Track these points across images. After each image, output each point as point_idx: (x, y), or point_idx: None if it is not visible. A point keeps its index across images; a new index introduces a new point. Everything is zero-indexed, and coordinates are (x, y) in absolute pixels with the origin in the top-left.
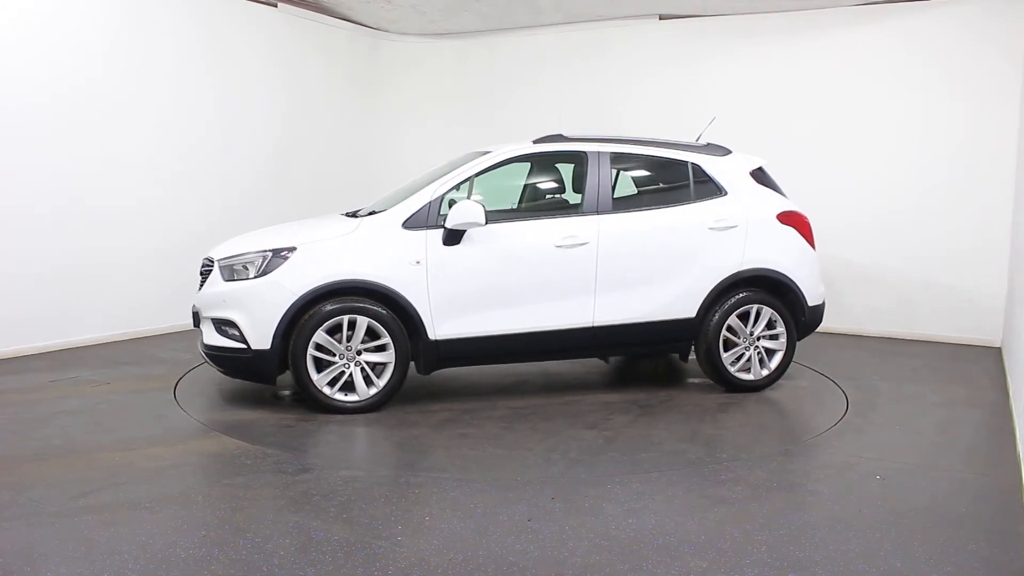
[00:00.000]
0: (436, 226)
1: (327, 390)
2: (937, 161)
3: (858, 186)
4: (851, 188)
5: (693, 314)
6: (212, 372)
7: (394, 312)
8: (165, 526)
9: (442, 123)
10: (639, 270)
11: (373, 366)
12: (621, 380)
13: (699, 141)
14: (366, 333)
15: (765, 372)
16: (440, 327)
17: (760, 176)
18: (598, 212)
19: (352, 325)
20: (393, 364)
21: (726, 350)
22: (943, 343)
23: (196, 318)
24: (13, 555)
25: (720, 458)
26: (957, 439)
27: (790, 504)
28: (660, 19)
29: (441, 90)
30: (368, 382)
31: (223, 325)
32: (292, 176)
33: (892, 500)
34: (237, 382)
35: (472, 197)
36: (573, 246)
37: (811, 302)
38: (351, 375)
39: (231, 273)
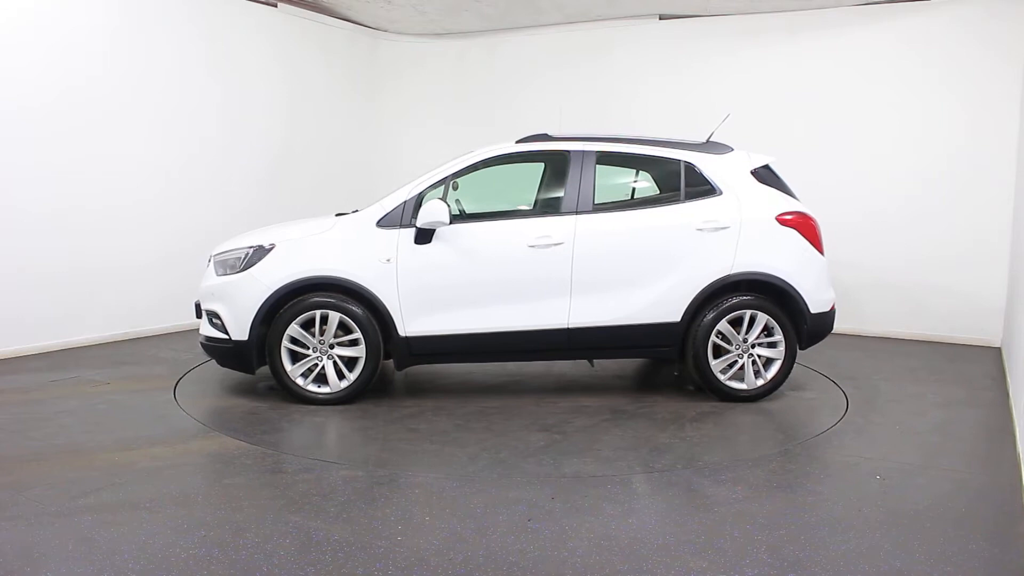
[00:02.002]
0: (409, 225)
1: (300, 381)
2: (937, 161)
3: (858, 186)
4: (851, 188)
5: (678, 318)
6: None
7: (365, 308)
8: (165, 526)
9: (442, 123)
10: (616, 271)
11: (346, 360)
12: (620, 385)
13: (711, 139)
14: (340, 328)
15: (760, 382)
16: (410, 324)
17: (763, 175)
18: (577, 212)
19: (324, 320)
20: (364, 358)
21: (717, 357)
22: (943, 343)
23: (198, 310)
24: (13, 555)
25: (653, 467)
26: (957, 439)
27: (790, 504)
28: (660, 19)
29: (441, 90)
30: (341, 375)
31: (212, 317)
32: (292, 176)
33: (892, 500)
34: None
35: (448, 196)
36: (547, 246)
37: (815, 309)
38: (324, 368)
39: (223, 268)
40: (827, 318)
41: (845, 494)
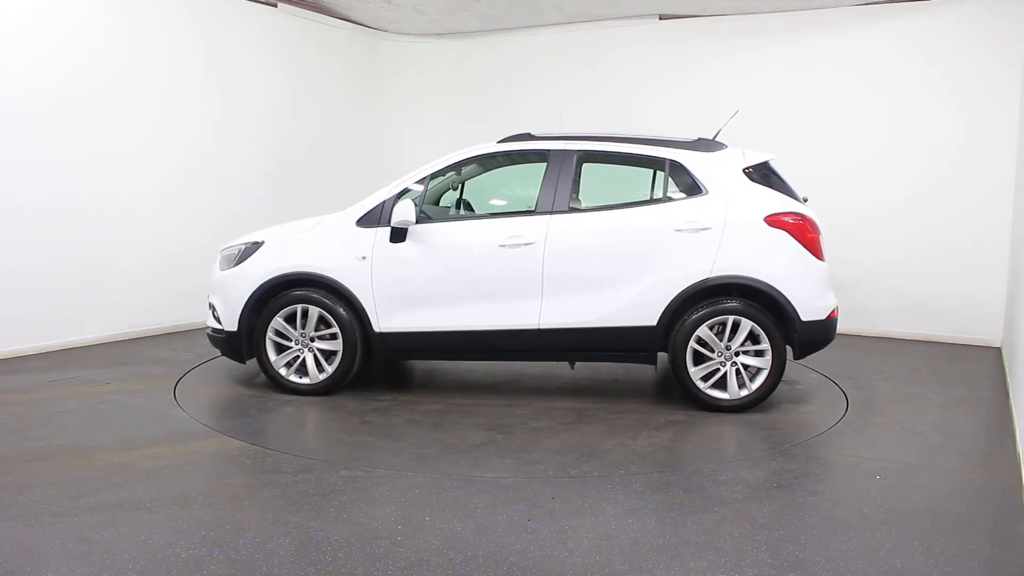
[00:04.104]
0: (385, 224)
1: (283, 371)
2: (937, 160)
3: (858, 186)
4: (851, 188)
5: (653, 322)
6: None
7: (344, 303)
8: (165, 526)
9: (442, 123)
10: (589, 273)
11: (327, 353)
12: (615, 388)
13: (716, 136)
14: (322, 322)
15: (744, 392)
16: (384, 320)
17: (759, 174)
18: (552, 212)
19: (305, 314)
20: (341, 352)
21: (699, 364)
22: (943, 343)
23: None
24: (13, 555)
25: (571, 474)
26: (957, 439)
27: (790, 504)
28: (660, 19)
29: (441, 90)
30: (320, 368)
31: (213, 309)
32: (292, 176)
33: (892, 500)
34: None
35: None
36: (518, 246)
37: (807, 317)
38: (304, 359)
39: (225, 263)
40: (824, 326)
41: (845, 494)
